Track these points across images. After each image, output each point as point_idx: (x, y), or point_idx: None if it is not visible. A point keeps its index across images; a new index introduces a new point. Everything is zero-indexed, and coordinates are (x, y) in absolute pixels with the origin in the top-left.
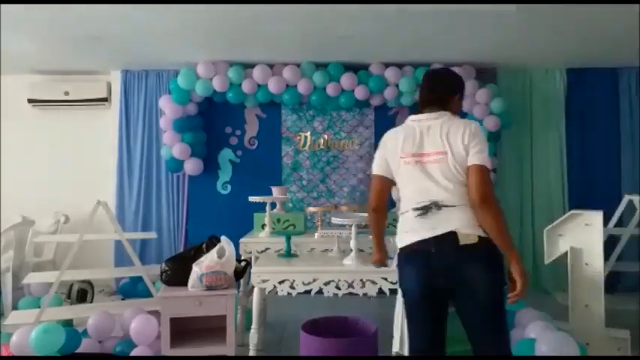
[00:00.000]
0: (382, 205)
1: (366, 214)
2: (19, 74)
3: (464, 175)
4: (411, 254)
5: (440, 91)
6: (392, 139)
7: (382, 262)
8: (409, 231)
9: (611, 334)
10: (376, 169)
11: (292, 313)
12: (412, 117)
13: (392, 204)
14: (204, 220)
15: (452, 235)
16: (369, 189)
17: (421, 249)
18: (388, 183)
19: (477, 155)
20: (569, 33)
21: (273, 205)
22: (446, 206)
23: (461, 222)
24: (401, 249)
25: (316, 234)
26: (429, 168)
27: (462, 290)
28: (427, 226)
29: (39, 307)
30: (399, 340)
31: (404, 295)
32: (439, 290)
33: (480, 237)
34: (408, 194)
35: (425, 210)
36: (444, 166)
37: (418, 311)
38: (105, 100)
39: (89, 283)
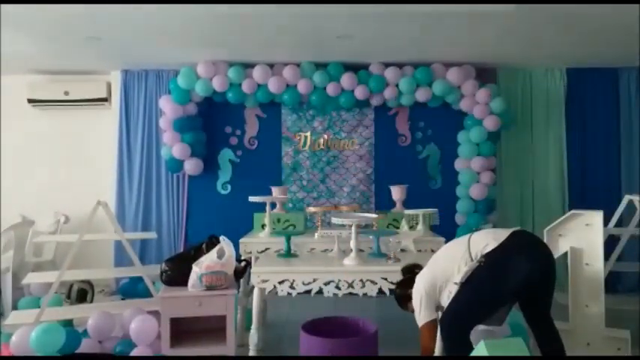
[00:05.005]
0: None
1: (366, 214)
2: (19, 74)
3: None
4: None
5: None
6: None
7: None
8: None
9: (611, 334)
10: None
11: (292, 313)
12: None
13: (392, 204)
14: (204, 220)
15: None
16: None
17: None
18: None
19: None
20: (569, 33)
21: (273, 205)
22: None
23: None
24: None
25: (316, 234)
26: None
27: None
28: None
29: (39, 307)
30: None
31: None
32: None
33: None
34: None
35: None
36: None
37: None
38: (105, 100)
39: (89, 283)
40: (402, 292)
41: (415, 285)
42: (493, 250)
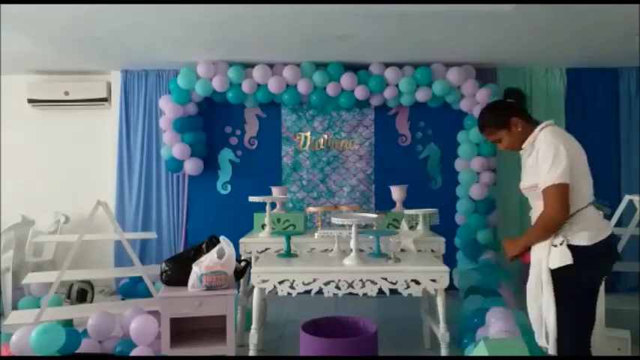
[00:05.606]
0: None
1: (366, 214)
2: (19, 74)
3: None
4: (602, 249)
5: None
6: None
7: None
8: (601, 227)
9: (611, 334)
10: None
11: (292, 313)
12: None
13: (392, 204)
14: (204, 220)
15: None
16: None
17: (610, 244)
18: None
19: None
20: (569, 33)
21: (273, 205)
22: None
23: None
24: (595, 244)
25: (316, 234)
26: None
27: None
28: (606, 223)
29: (39, 307)
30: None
31: (581, 289)
32: None
33: None
34: (585, 190)
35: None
36: None
37: (588, 304)
38: (105, 100)
39: (89, 283)
40: (501, 112)
41: (548, 136)
42: (586, 248)
